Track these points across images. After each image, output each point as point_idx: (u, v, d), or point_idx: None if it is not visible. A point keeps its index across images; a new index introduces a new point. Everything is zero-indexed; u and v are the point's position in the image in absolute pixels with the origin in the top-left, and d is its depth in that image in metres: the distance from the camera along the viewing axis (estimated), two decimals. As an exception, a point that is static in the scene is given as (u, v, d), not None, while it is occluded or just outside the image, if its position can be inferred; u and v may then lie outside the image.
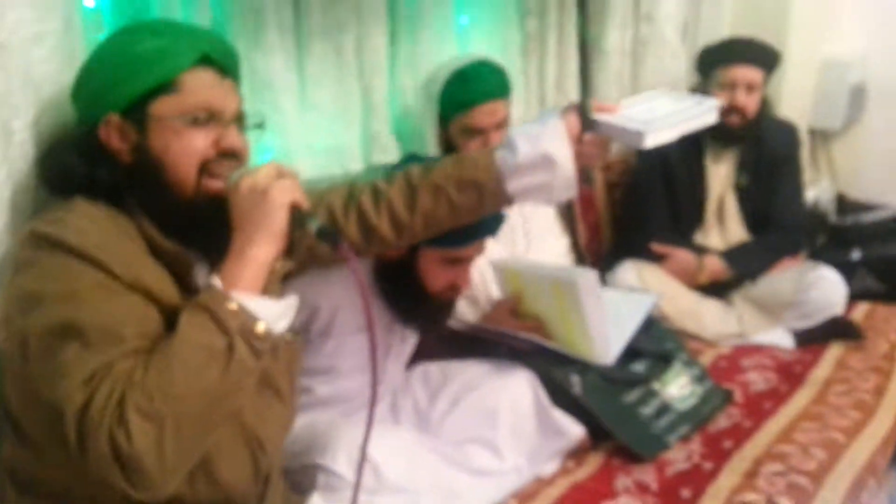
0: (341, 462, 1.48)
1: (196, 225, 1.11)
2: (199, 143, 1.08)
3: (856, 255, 3.01)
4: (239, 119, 1.15)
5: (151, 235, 1.09)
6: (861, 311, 2.56)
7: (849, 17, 3.33)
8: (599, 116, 1.33)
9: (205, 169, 1.09)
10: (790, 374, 2.15)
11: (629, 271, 2.41)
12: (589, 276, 1.79)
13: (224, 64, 1.14)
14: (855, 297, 2.58)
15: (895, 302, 2.66)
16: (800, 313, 2.39)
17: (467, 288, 1.71)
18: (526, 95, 2.53)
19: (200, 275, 1.14)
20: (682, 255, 2.47)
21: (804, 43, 3.06)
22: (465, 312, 2.01)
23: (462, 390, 1.75)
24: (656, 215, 2.54)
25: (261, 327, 1.00)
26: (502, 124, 2.01)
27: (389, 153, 2.14)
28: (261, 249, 1.04)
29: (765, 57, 2.44)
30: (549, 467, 1.72)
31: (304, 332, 1.58)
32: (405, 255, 1.60)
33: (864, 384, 2.07)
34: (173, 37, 1.11)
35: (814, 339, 2.34)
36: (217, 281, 1.02)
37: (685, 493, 1.61)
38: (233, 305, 0.99)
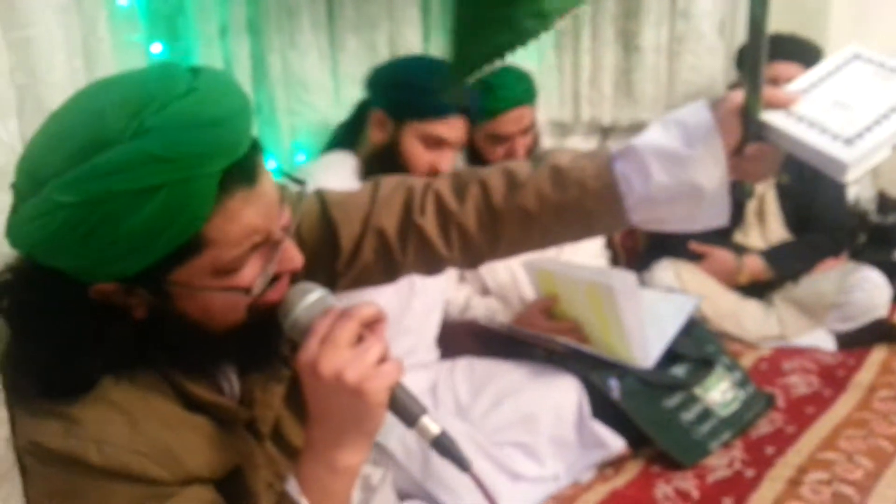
0: (392, 440, 1.50)
1: (231, 343, 0.86)
2: (248, 290, 0.80)
3: (898, 255, 2.93)
4: (286, 222, 0.85)
5: (187, 390, 0.86)
6: (905, 313, 2.50)
7: (887, 14, 3.25)
8: (771, 117, 0.93)
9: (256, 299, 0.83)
10: (833, 378, 2.10)
11: (667, 270, 2.37)
12: (626, 278, 1.75)
13: (249, 155, 0.78)
14: (898, 298, 2.52)
15: (940, 303, 2.60)
16: (842, 315, 2.34)
17: (447, 171, 1.61)
18: (560, 92, 2.50)
19: (229, 380, 0.94)
20: (721, 255, 2.42)
21: (843, 40, 2.98)
22: (497, 311, 1.99)
23: (505, 391, 1.74)
24: (695, 214, 2.49)
25: None
26: (528, 129, 2.01)
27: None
28: (353, 457, 0.82)
29: (807, 54, 2.39)
30: (587, 474, 1.71)
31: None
32: (389, 140, 1.63)
33: (910, 389, 2.01)
34: (173, 181, 0.71)
35: (856, 341, 2.29)
36: (304, 501, 0.81)
37: (727, 501, 1.56)
38: None
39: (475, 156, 2.01)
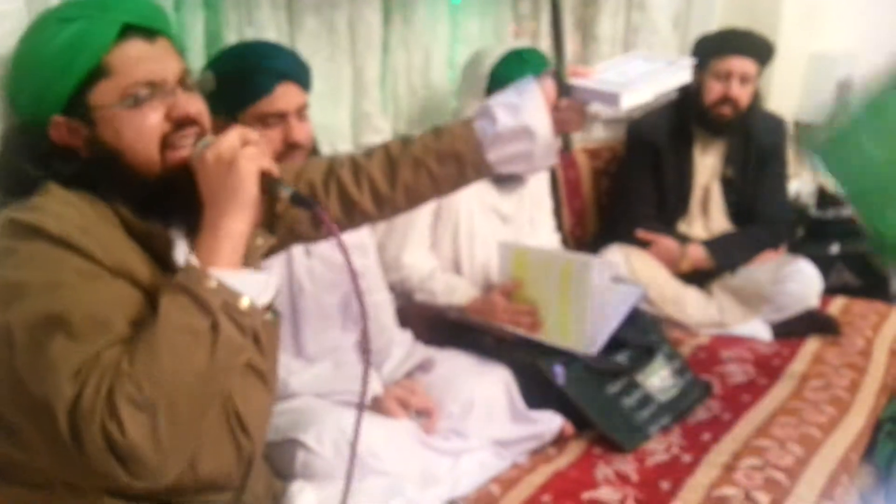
0: (325, 442, 1.48)
1: (170, 200, 1.07)
2: (149, 121, 1.04)
3: (834, 249, 3.04)
4: (185, 80, 1.08)
5: (126, 217, 1.05)
6: (838, 305, 2.60)
7: (838, 12, 3.34)
8: (575, 81, 1.33)
9: (166, 144, 1.05)
10: (768, 368, 2.18)
11: (617, 254, 2.43)
12: (600, 262, 1.81)
13: (150, 26, 1.06)
14: (832, 291, 2.62)
15: (872, 297, 2.71)
16: (776, 305, 2.42)
17: (304, 140, 1.62)
18: (516, 78, 2.52)
19: (182, 252, 1.10)
20: (665, 242, 2.49)
21: (793, 37, 3.07)
22: (459, 290, 2.00)
23: (441, 381, 1.77)
24: (643, 202, 2.55)
25: (244, 303, 0.99)
26: None
27: (381, 134, 2.13)
28: (235, 222, 1.02)
29: (760, 49, 2.45)
30: (524, 456, 1.74)
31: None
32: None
33: (839, 380, 2.10)
34: (85, 17, 1.03)
35: (791, 332, 2.38)
36: (193, 259, 1.00)
37: (665, 485, 1.62)
38: (212, 283, 0.97)
39: None
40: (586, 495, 1.59)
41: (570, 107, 1.33)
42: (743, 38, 2.46)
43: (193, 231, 1.07)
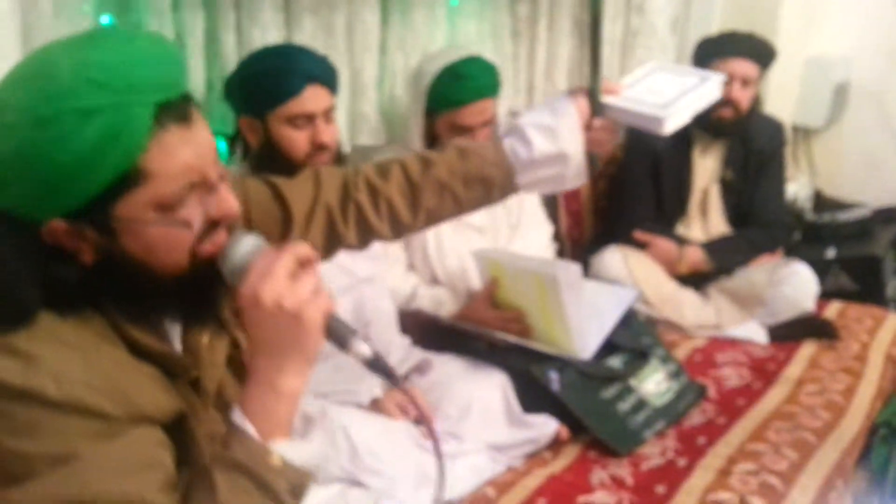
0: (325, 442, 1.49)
1: (179, 294, 0.91)
2: (187, 232, 0.86)
3: (830, 252, 3.04)
4: (223, 169, 0.91)
5: (134, 338, 0.89)
6: (833, 309, 2.60)
7: (835, 17, 3.35)
8: (609, 100, 1.28)
9: (197, 244, 0.88)
10: (763, 372, 2.18)
11: (615, 255, 2.43)
12: (571, 269, 1.79)
13: (182, 97, 0.85)
14: (828, 295, 2.62)
15: (867, 301, 2.71)
16: (771, 309, 2.42)
17: (331, 142, 1.66)
18: (514, 81, 2.52)
19: (173, 332, 0.97)
20: (663, 244, 2.49)
21: (791, 40, 3.08)
22: (445, 302, 2.01)
23: (438, 384, 1.77)
24: (641, 204, 2.56)
25: (308, 480, 0.89)
26: (490, 122, 2.00)
27: (376, 136, 2.13)
28: (295, 381, 0.88)
29: (762, 52, 2.45)
30: (520, 460, 1.74)
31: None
32: (264, 139, 1.65)
33: (835, 385, 2.10)
34: (112, 106, 0.78)
35: (787, 335, 2.37)
36: (248, 426, 0.86)
37: (660, 489, 1.62)
38: (276, 461, 0.85)
39: (434, 144, 2.00)
40: (581, 499, 1.59)
41: (603, 127, 1.27)
42: (744, 41, 2.46)
43: (192, 318, 0.96)
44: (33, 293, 0.83)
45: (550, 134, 1.22)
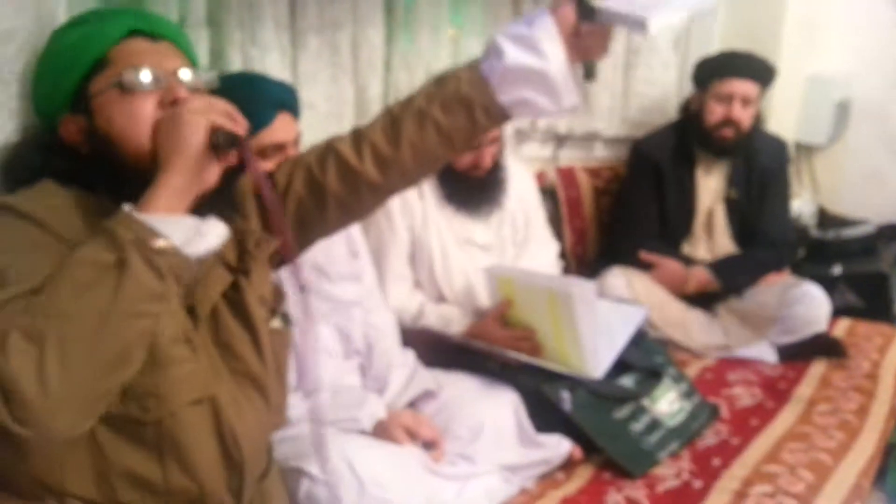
0: (328, 471, 1.44)
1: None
2: (142, 107, 1.04)
3: (836, 269, 3.03)
4: (185, 76, 1.08)
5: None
6: (842, 327, 2.58)
7: (835, 35, 3.36)
8: (600, 3, 1.19)
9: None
10: (775, 391, 2.15)
11: (619, 278, 2.40)
12: (586, 287, 1.77)
13: (156, 31, 1.10)
14: (835, 312, 2.60)
15: (875, 318, 2.69)
16: (783, 328, 2.40)
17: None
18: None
19: None
20: (670, 265, 2.47)
21: (792, 59, 3.08)
22: (453, 320, 1.98)
23: (448, 404, 1.73)
24: (646, 224, 2.54)
25: (160, 242, 0.93)
26: (497, 138, 2.02)
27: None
28: (174, 175, 0.98)
29: (762, 72, 2.45)
30: (532, 481, 1.70)
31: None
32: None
33: (847, 404, 2.07)
34: (97, 20, 1.10)
35: (797, 354, 2.35)
36: (127, 207, 0.97)
37: (676, 512, 1.59)
38: (129, 221, 0.94)
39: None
40: (597, 523, 1.56)
41: (593, 32, 1.18)
42: (744, 61, 2.46)
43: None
44: (41, 167, 1.07)
45: (524, 42, 1.14)
